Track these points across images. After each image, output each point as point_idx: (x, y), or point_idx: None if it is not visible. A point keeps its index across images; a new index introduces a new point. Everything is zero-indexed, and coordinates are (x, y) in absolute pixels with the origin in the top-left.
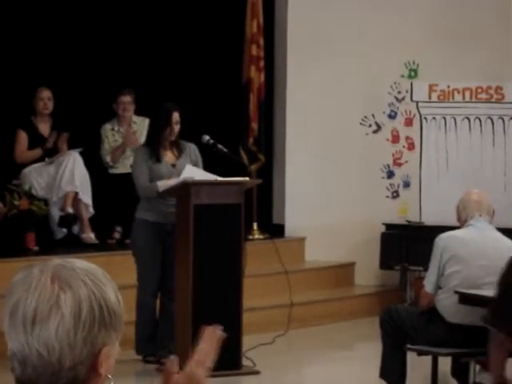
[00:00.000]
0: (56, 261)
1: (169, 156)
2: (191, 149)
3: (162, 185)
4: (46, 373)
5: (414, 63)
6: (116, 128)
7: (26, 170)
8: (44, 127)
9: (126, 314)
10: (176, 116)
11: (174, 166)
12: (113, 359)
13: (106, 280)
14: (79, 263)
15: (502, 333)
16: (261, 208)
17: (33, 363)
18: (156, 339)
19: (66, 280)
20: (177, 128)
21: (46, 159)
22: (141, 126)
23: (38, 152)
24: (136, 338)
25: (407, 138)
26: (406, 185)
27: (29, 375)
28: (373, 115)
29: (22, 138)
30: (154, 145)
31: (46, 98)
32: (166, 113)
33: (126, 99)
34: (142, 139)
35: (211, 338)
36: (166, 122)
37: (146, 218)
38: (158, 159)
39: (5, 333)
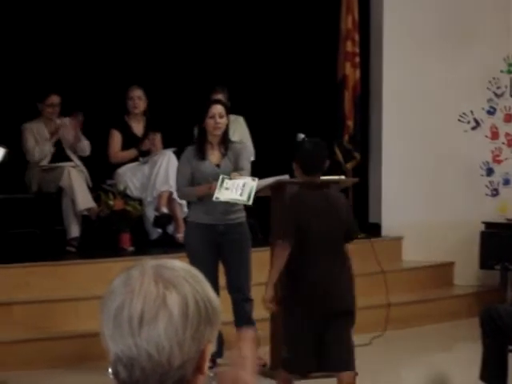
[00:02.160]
0: (152, 261)
1: (215, 155)
2: (235, 148)
3: (259, 184)
4: (155, 374)
5: None
6: None
7: (121, 170)
8: (137, 127)
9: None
10: (218, 109)
11: (218, 166)
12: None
13: (202, 277)
14: (176, 263)
15: None
16: (357, 207)
17: (141, 365)
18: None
19: (170, 279)
20: (220, 122)
21: (141, 159)
22: (234, 124)
23: (132, 153)
24: None
25: (507, 134)
26: (506, 182)
27: (136, 378)
28: (471, 111)
29: (116, 137)
30: (199, 142)
31: (135, 97)
32: (206, 106)
33: (219, 97)
34: (234, 138)
35: (249, 340)
36: (204, 116)
37: (198, 220)
38: (203, 157)
39: (105, 337)
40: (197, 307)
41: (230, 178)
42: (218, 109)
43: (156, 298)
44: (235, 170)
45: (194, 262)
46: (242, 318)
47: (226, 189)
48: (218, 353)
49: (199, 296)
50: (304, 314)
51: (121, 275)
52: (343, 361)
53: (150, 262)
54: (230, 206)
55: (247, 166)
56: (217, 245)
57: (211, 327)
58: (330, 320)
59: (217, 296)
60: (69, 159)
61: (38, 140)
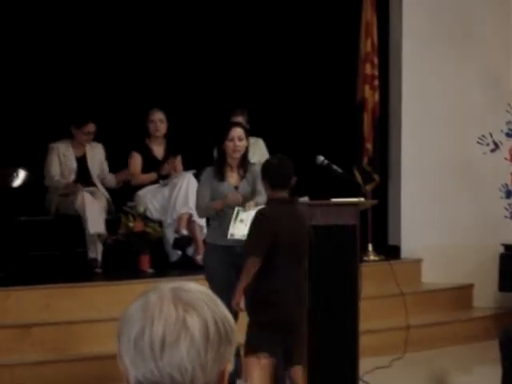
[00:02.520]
0: (169, 284)
1: (234, 177)
2: (253, 170)
3: None
4: None
5: None
6: None
7: (141, 192)
8: (158, 149)
9: None
10: (238, 132)
11: (236, 188)
12: None
13: (217, 298)
14: (192, 285)
15: None
16: (376, 229)
17: None
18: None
19: (189, 302)
20: (240, 145)
21: (161, 181)
22: (253, 147)
23: (152, 176)
24: None
25: None
26: None
27: None
28: (490, 134)
29: (137, 160)
30: (219, 164)
31: (157, 121)
32: (226, 128)
33: (238, 119)
34: (254, 160)
35: (260, 368)
36: (224, 138)
37: (215, 242)
38: (222, 179)
39: (124, 361)
40: (217, 328)
41: (245, 210)
42: (237, 132)
43: (176, 321)
44: (253, 192)
45: (212, 283)
46: None
47: (241, 221)
48: (238, 373)
49: (218, 317)
50: (268, 325)
51: (138, 300)
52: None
53: (167, 286)
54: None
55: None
56: (235, 266)
57: (230, 347)
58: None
59: (233, 317)
60: (92, 184)
61: (62, 161)
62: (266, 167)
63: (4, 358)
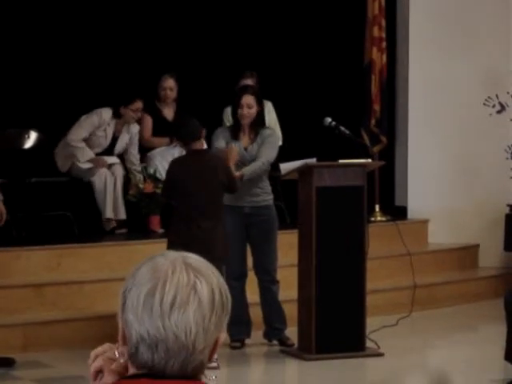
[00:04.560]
0: (175, 252)
1: (244, 140)
2: (263, 133)
3: (284, 167)
4: (178, 356)
5: None
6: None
7: (151, 154)
8: (168, 112)
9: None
10: (247, 99)
11: (245, 149)
12: None
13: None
14: (195, 255)
15: None
16: (383, 190)
17: (166, 347)
18: (243, 323)
19: (198, 269)
20: (249, 112)
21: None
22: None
23: (165, 141)
24: (228, 322)
25: None
26: None
27: (159, 359)
28: (496, 95)
29: (148, 122)
30: (233, 127)
31: (167, 88)
32: (236, 97)
33: (248, 82)
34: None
35: None
36: (236, 105)
37: (227, 203)
38: (235, 138)
39: (127, 317)
40: (220, 296)
41: None
42: (247, 99)
43: (187, 284)
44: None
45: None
46: (269, 299)
47: None
48: (247, 333)
49: (221, 286)
50: None
51: (146, 261)
52: None
53: (174, 252)
54: (256, 187)
55: (267, 155)
56: (244, 226)
57: (227, 316)
58: None
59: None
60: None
61: (97, 128)
62: (175, 129)
63: (16, 318)
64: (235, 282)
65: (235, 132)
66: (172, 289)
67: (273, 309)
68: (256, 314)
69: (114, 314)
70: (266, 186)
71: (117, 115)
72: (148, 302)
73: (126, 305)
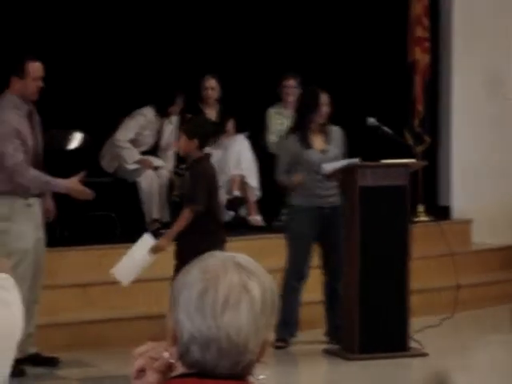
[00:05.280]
0: (225, 253)
1: (318, 142)
2: (336, 133)
3: (329, 168)
4: (229, 355)
5: None
6: (280, 112)
7: None
8: (211, 113)
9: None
10: (325, 98)
11: (323, 151)
12: None
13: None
14: (245, 256)
15: None
16: (426, 190)
17: (218, 346)
18: (293, 323)
19: (250, 269)
20: (325, 110)
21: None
22: None
23: None
24: (277, 321)
25: None
26: None
27: (210, 358)
28: None
29: None
30: (302, 130)
31: (209, 88)
32: (314, 95)
33: (290, 83)
34: None
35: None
36: (315, 104)
37: (301, 203)
38: (308, 145)
39: (179, 317)
40: (271, 297)
41: None
42: (325, 99)
43: (239, 284)
44: (339, 156)
45: (294, 244)
46: (335, 299)
47: None
48: (294, 333)
49: (271, 287)
50: None
51: (195, 264)
52: None
53: (223, 253)
54: (332, 188)
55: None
56: (320, 227)
57: (275, 317)
58: None
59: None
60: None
61: (142, 128)
62: (200, 129)
63: (60, 317)
64: (297, 282)
65: (305, 137)
66: (224, 289)
67: (337, 308)
68: (317, 312)
69: (157, 314)
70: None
71: (160, 113)
72: (200, 302)
73: (177, 305)
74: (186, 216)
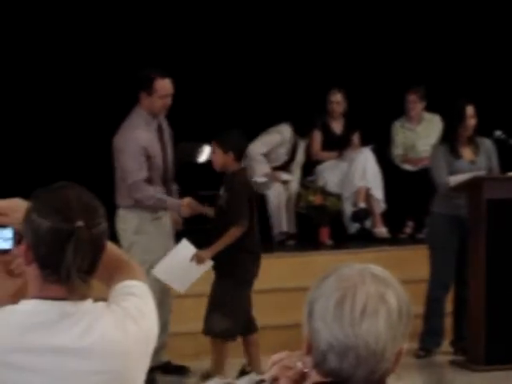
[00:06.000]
0: (359, 265)
1: (467, 152)
2: (486, 145)
3: (454, 180)
4: (367, 363)
5: None
6: (405, 125)
7: (321, 167)
8: (337, 126)
9: (414, 308)
10: (470, 110)
11: (472, 162)
12: None
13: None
14: (378, 267)
15: None
16: None
17: (357, 354)
18: (441, 333)
19: (385, 279)
20: (472, 123)
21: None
22: (431, 123)
23: (333, 154)
24: (422, 331)
25: None
26: None
27: (347, 366)
28: None
29: (317, 137)
30: (451, 141)
31: (334, 102)
32: (459, 108)
33: (412, 98)
34: (434, 135)
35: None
36: (460, 117)
37: (443, 211)
38: (458, 156)
39: (315, 325)
40: (407, 307)
41: None
42: (470, 111)
43: (376, 294)
44: (489, 167)
45: (438, 252)
46: (463, 309)
47: None
48: (440, 343)
49: (406, 298)
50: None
51: (331, 274)
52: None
53: (358, 265)
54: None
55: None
56: (460, 237)
57: (409, 327)
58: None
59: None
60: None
61: (274, 149)
62: (235, 142)
63: (189, 326)
64: (444, 292)
65: (455, 147)
66: (362, 298)
67: (464, 319)
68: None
69: (283, 324)
70: None
71: (297, 131)
72: (338, 311)
73: (314, 314)
74: (234, 234)
